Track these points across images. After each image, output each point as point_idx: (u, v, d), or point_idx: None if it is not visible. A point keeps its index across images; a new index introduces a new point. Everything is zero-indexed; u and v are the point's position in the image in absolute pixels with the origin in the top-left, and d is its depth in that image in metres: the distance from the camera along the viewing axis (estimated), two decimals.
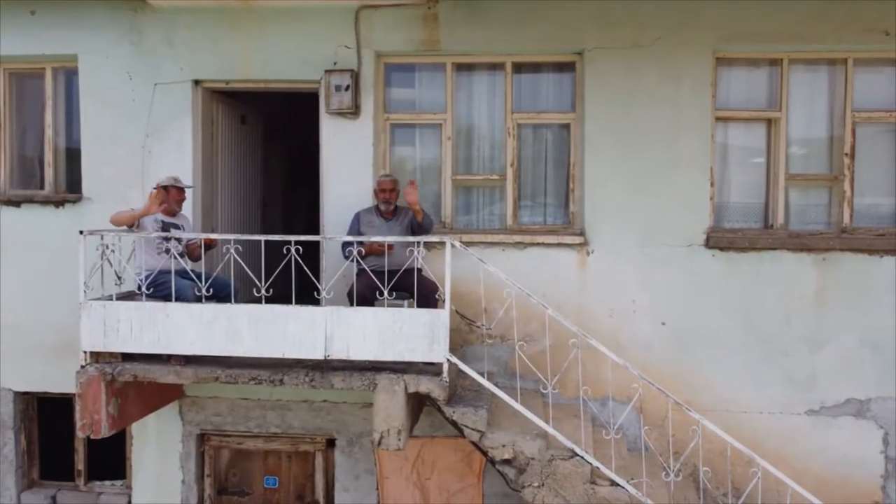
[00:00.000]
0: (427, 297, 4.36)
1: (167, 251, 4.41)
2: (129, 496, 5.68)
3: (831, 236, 5.11)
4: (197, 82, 5.42)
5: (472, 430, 4.13)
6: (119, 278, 4.62)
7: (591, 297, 5.15)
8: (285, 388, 4.32)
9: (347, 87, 5.16)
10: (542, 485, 4.07)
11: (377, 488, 5.39)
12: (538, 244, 5.18)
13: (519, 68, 5.37)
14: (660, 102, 5.06)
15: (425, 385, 4.11)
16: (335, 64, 5.25)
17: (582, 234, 5.17)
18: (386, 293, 4.19)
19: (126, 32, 5.39)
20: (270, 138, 7.08)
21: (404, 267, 4.43)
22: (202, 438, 5.59)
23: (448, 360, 4.14)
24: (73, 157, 5.69)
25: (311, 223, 5.76)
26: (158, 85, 5.38)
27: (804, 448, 5.05)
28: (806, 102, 5.23)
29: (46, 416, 5.90)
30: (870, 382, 5.04)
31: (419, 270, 4.37)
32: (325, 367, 4.30)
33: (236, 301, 4.35)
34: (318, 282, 4.36)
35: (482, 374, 4.19)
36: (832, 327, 5.05)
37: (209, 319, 4.23)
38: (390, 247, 4.50)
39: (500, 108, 5.39)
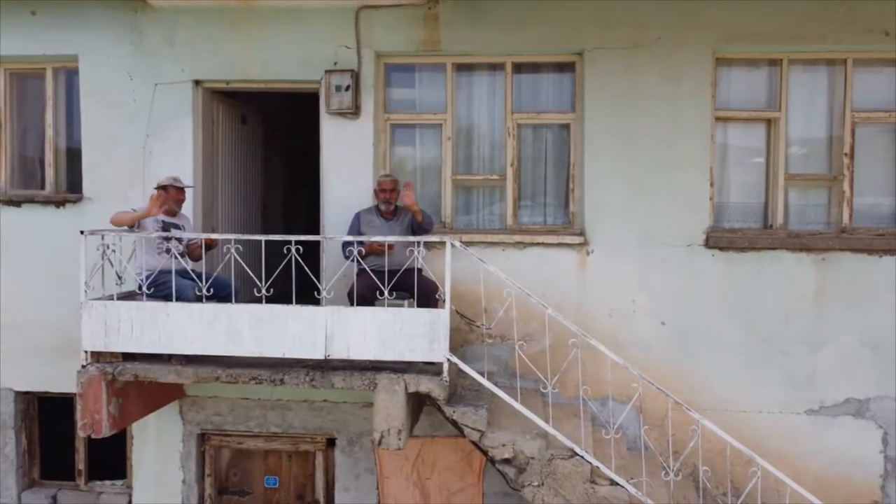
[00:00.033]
0: (427, 296, 4.36)
1: (168, 251, 4.41)
2: (130, 496, 5.69)
3: (831, 236, 5.12)
4: (197, 82, 5.43)
5: (473, 429, 4.13)
6: (120, 278, 4.62)
7: (590, 296, 5.16)
8: (286, 388, 4.32)
9: (348, 88, 5.16)
10: (542, 484, 4.08)
11: (377, 488, 5.39)
12: (538, 244, 5.19)
13: (519, 68, 5.38)
14: (659, 102, 5.07)
15: (425, 385, 4.12)
16: (335, 64, 5.25)
17: (582, 234, 5.18)
18: (386, 293, 4.19)
19: (126, 33, 5.40)
20: (271, 138, 7.09)
21: (404, 267, 4.43)
22: (203, 438, 5.59)
23: (448, 359, 4.14)
24: (73, 157, 5.70)
25: (312, 223, 5.77)
26: (159, 85, 5.38)
27: (804, 448, 5.05)
28: (805, 102, 5.23)
29: (47, 415, 5.91)
30: (869, 382, 5.05)
31: (419, 270, 4.37)
32: (325, 367, 4.30)
33: (237, 301, 4.36)
34: (319, 282, 4.36)
35: (482, 374, 4.19)
36: (832, 327, 5.05)
37: (210, 319, 4.24)
38: (390, 247, 4.50)
39: (500, 109, 5.39)
